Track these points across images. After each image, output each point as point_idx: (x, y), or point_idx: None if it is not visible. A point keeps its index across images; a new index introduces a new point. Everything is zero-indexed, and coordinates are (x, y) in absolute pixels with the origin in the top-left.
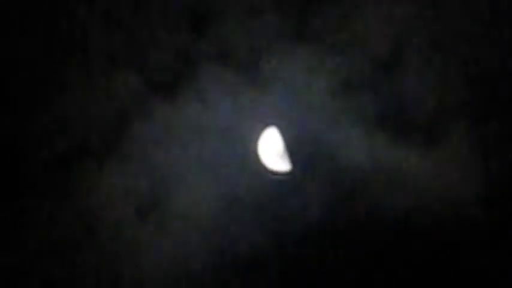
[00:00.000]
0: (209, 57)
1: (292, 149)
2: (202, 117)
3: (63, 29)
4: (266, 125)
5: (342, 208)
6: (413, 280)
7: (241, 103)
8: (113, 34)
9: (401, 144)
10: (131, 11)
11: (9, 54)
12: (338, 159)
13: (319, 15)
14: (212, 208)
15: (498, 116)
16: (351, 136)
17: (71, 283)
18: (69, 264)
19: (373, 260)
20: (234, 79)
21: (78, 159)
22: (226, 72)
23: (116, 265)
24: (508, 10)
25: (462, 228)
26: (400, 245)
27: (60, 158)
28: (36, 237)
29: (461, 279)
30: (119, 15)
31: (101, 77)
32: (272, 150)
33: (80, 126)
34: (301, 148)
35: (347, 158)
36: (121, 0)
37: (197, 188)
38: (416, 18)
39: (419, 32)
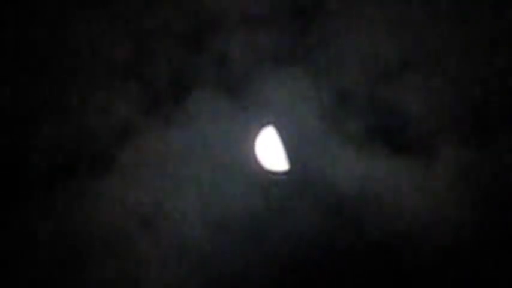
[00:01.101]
0: (204, 75)
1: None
2: (199, 132)
3: (63, 45)
4: (261, 128)
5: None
6: None
7: (236, 115)
8: (112, 54)
9: (394, 161)
10: (125, 33)
11: (10, 64)
12: (330, 180)
13: (312, 34)
14: (212, 215)
15: (493, 134)
16: (341, 154)
17: None
18: (68, 275)
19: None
20: (230, 95)
21: (77, 172)
22: (223, 87)
23: (116, 277)
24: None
25: (455, 246)
26: (392, 260)
27: (60, 171)
28: (36, 249)
29: None
30: (116, 33)
31: (102, 93)
32: (270, 152)
33: (80, 141)
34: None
35: (338, 178)
36: (113, 28)
37: (196, 197)
38: (411, 37)
39: (414, 51)
